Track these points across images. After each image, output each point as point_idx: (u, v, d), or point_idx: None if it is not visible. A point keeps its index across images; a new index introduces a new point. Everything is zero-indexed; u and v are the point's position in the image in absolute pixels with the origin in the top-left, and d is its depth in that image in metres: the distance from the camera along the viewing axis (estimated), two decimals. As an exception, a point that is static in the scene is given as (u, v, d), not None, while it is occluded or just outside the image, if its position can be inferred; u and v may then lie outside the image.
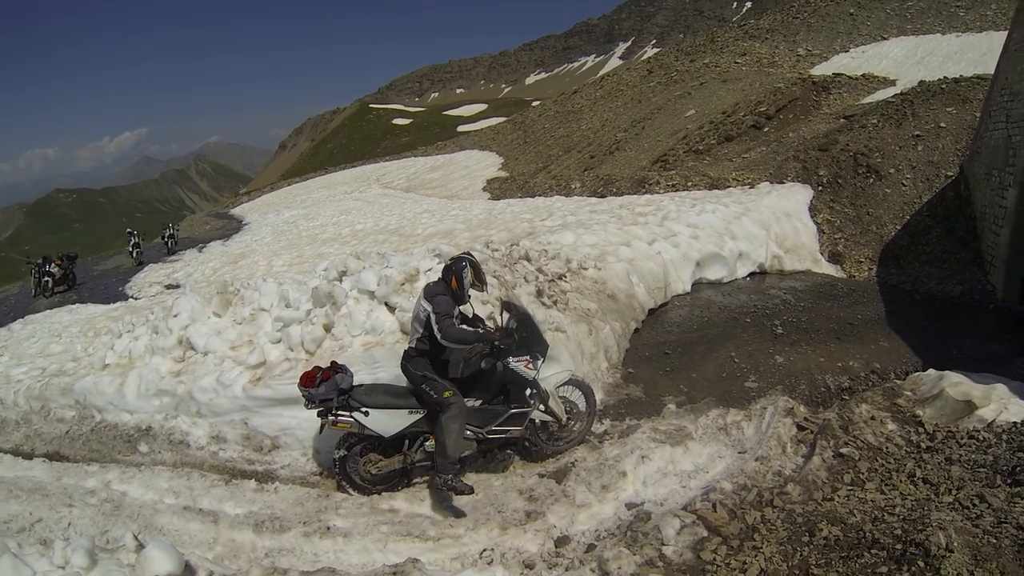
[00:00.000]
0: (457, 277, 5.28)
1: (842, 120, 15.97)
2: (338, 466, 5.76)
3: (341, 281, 7.46)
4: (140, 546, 4.18)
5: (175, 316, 8.08)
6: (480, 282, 5.44)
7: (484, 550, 4.78)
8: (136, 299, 16.38)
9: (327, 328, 6.89)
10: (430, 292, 5.29)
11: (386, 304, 6.96)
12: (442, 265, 7.45)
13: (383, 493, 5.64)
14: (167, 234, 25.29)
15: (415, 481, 5.77)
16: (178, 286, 17.04)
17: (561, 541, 4.71)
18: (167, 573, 3.71)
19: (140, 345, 8.33)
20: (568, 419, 5.82)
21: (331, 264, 8.02)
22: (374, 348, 6.41)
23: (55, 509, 6.51)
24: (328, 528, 5.18)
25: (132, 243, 23.73)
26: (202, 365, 7.31)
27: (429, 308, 5.14)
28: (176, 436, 7.07)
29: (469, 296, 5.46)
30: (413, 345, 5.42)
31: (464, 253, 5.70)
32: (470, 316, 5.63)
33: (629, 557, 3.87)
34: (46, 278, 19.67)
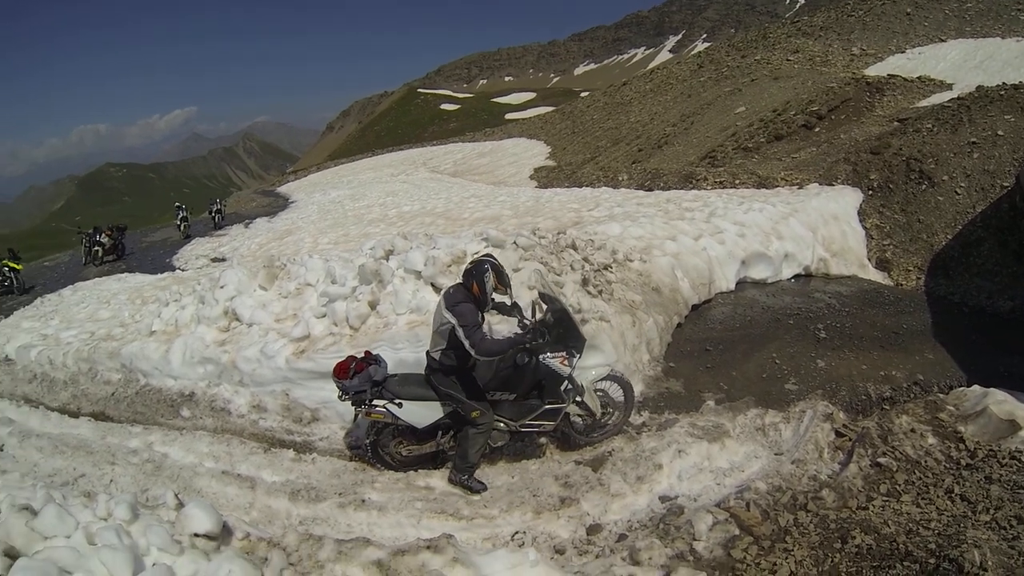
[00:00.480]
0: (479, 282, 5.05)
1: (896, 123, 15.54)
2: (369, 450, 5.85)
3: (388, 260, 7.54)
4: (180, 505, 4.31)
5: (222, 287, 8.27)
6: (503, 286, 5.19)
7: (516, 532, 4.83)
8: (183, 270, 16.79)
9: (372, 305, 6.98)
10: (451, 301, 5.07)
11: (432, 285, 7.01)
12: (489, 249, 7.46)
13: (419, 471, 5.71)
14: (214, 209, 25.60)
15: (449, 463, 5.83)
16: (224, 259, 17.36)
17: (593, 529, 4.73)
18: (206, 531, 3.80)
19: (186, 314, 8.55)
20: (603, 414, 5.80)
21: (378, 243, 8.10)
22: (418, 327, 6.48)
23: (98, 466, 6.75)
24: (363, 501, 5.28)
25: (180, 217, 24.12)
26: (246, 336, 7.49)
27: (453, 320, 4.92)
28: (218, 403, 7.27)
29: (492, 300, 5.23)
30: (437, 357, 5.24)
31: (485, 255, 5.48)
32: (509, 304, 5.51)
33: (660, 549, 3.87)
34: (96, 248, 20.22)
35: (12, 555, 3.27)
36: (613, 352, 6.47)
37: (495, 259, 5.31)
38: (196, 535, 3.77)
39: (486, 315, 5.40)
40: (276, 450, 6.43)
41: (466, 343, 4.84)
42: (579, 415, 5.71)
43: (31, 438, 7.81)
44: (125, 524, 3.77)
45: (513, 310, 5.49)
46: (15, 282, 17.67)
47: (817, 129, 17.83)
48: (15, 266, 18.03)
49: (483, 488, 5.33)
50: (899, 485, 4.31)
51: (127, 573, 3.14)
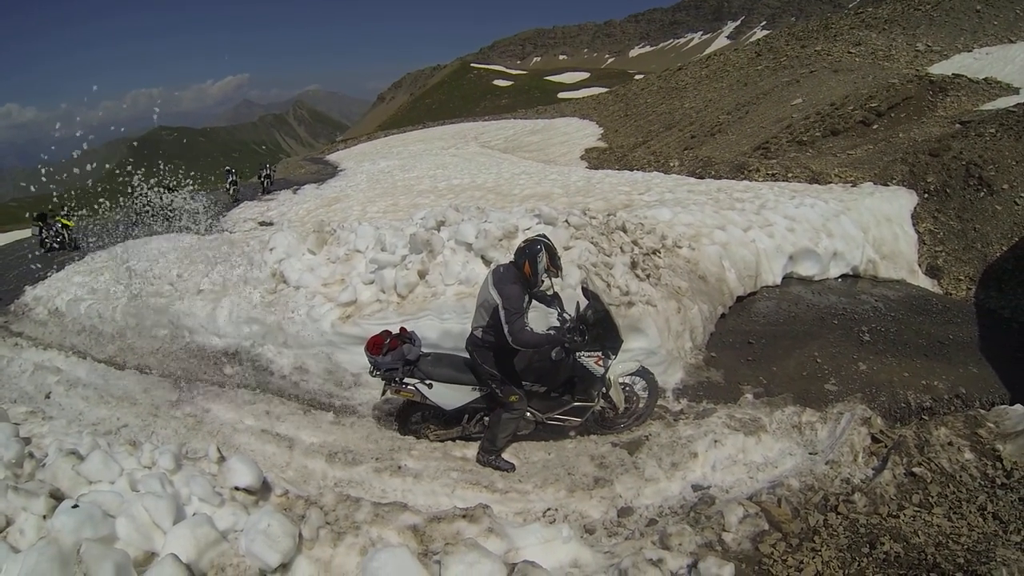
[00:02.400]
0: (531, 261, 4.97)
1: (957, 125, 15.05)
2: (397, 424, 5.98)
3: (439, 231, 7.59)
4: (222, 458, 4.46)
5: (271, 250, 8.43)
6: (555, 268, 5.09)
7: (548, 509, 4.88)
8: (231, 233, 17.07)
9: (421, 275, 7.05)
10: (500, 279, 5.01)
11: (482, 257, 7.06)
12: (541, 226, 7.47)
13: (457, 441, 5.78)
14: (263, 174, 25.80)
15: None
16: (271, 224, 17.61)
17: (624, 511, 4.77)
18: (246, 485, 3.93)
19: (234, 274, 8.74)
20: (626, 408, 5.79)
21: (429, 213, 8.15)
22: (466, 298, 6.53)
23: (141, 417, 6.98)
24: (399, 467, 5.38)
25: (230, 180, 24.42)
26: (293, 298, 7.63)
27: (499, 300, 4.87)
28: (261, 363, 7.44)
29: (542, 282, 5.12)
30: (479, 335, 5.21)
31: (539, 235, 5.35)
32: (550, 294, 5.48)
33: (691, 536, 3.89)
34: (147, 207, 20.75)
35: (58, 497, 3.40)
36: (657, 337, 6.45)
37: (548, 239, 5.21)
38: (237, 488, 3.90)
39: (533, 298, 5.31)
40: (316, 412, 6.57)
41: (505, 328, 4.82)
42: (602, 407, 5.71)
43: (77, 387, 8.11)
44: (168, 473, 3.92)
45: (553, 302, 5.44)
46: (67, 238, 18.22)
47: (875, 126, 17.39)
48: (68, 223, 18.59)
49: (511, 468, 5.36)
50: (932, 497, 4.24)
51: (169, 520, 3.25)
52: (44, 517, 3.23)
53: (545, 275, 5.07)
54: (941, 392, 6.54)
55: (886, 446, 5.11)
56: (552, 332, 5.09)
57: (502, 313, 4.84)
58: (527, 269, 5.01)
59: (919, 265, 10.54)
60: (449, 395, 5.47)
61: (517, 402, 5.23)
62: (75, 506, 3.15)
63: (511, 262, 5.21)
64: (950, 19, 28.30)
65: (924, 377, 6.78)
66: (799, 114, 20.93)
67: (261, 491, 4.05)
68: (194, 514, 3.43)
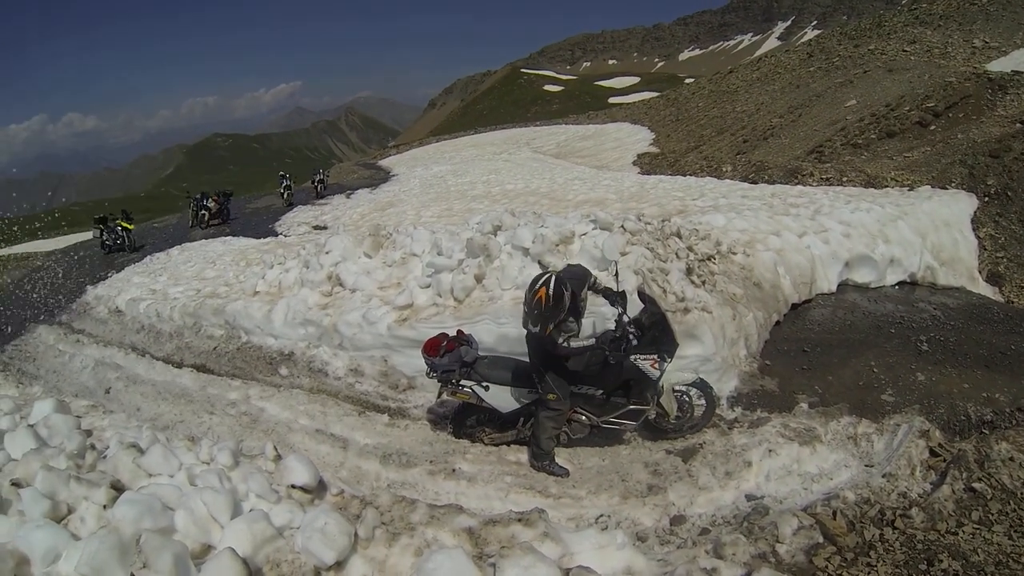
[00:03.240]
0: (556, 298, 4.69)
1: (1018, 125, 14.53)
2: (452, 428, 6.01)
3: (496, 235, 7.63)
4: (278, 456, 4.56)
5: (327, 253, 8.57)
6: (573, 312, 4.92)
7: (601, 515, 4.88)
8: (286, 236, 17.40)
9: (478, 279, 7.09)
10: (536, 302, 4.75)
11: (539, 262, 7.05)
12: (597, 231, 7.46)
13: (511, 445, 5.80)
14: (317, 179, 26.16)
15: None
16: (325, 227, 17.91)
17: (677, 520, 4.74)
18: (303, 483, 4.02)
19: (290, 277, 8.92)
20: (678, 415, 5.72)
21: (486, 218, 8.19)
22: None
23: (197, 414, 7.20)
24: (453, 470, 5.43)
25: (284, 185, 24.78)
26: (349, 301, 7.77)
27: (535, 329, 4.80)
28: (316, 364, 7.58)
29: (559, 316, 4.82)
30: (530, 329, 5.04)
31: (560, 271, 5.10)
32: (618, 292, 5.36)
33: (745, 546, 3.86)
34: (203, 211, 21.30)
35: (118, 488, 3.53)
36: (712, 344, 6.39)
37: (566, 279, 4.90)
38: (293, 486, 3.99)
39: (599, 293, 5.36)
40: (370, 414, 6.64)
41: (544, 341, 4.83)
42: (656, 412, 5.65)
43: (136, 384, 8.41)
44: (226, 469, 4.02)
45: (617, 300, 5.34)
46: (127, 240, 18.86)
47: (932, 127, 16.89)
48: (127, 226, 19.23)
49: (565, 473, 5.35)
50: (992, 514, 4.11)
51: (226, 515, 3.35)
52: (104, 507, 3.36)
53: (537, 327, 4.84)
54: (1002, 405, 6.30)
55: (945, 460, 4.98)
56: (593, 343, 5.05)
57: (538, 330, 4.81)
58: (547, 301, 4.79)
59: (979, 272, 10.23)
60: (505, 398, 5.48)
61: (555, 401, 5.19)
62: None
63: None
64: (1008, 13, 27.20)
65: (985, 389, 6.55)
66: (853, 116, 20.46)
67: (317, 490, 4.13)
68: (251, 510, 3.53)
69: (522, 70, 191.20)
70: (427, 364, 5.51)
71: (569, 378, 5.28)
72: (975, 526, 3.99)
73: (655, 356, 5.24)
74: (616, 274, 5.54)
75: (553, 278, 4.70)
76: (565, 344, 4.90)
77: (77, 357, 10.04)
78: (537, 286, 4.71)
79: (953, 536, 3.90)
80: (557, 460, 5.46)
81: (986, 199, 11.46)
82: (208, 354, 8.88)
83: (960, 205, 11.33)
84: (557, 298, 4.66)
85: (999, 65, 22.02)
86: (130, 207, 23.59)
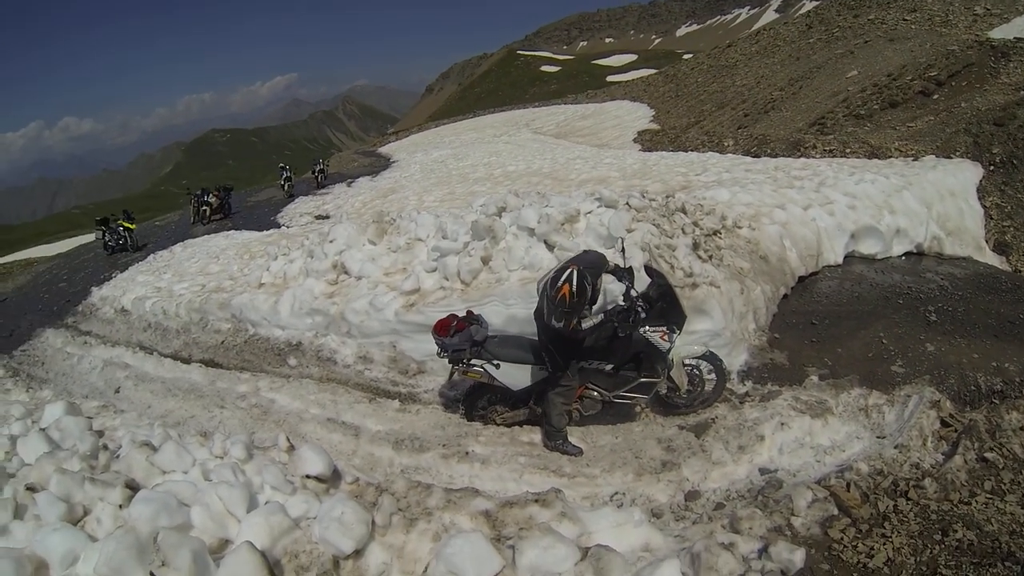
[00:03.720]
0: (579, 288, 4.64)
1: (1023, 93, 14.42)
2: (463, 410, 6.03)
3: (500, 217, 7.59)
4: (292, 447, 4.57)
5: (331, 241, 8.54)
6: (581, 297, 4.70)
7: (615, 493, 4.90)
8: (288, 227, 17.40)
9: (485, 261, 7.06)
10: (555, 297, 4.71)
11: (545, 242, 7.02)
12: (602, 209, 7.42)
13: (524, 426, 5.81)
14: (317, 168, 26.13)
15: None
16: (328, 217, 17.85)
17: (692, 495, 4.76)
18: (318, 473, 4.02)
19: (295, 267, 8.90)
20: (688, 389, 5.74)
21: (490, 200, 8.15)
22: (530, 283, 6.48)
23: (208, 409, 7.24)
24: (467, 453, 5.45)
25: (284, 176, 24.76)
26: (355, 288, 7.75)
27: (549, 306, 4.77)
28: (324, 353, 7.58)
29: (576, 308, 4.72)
30: (554, 325, 4.99)
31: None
32: (625, 268, 5.39)
33: (761, 520, 3.87)
34: (204, 207, 21.22)
35: (133, 487, 3.53)
36: (722, 318, 6.38)
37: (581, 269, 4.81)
38: (308, 477, 4.00)
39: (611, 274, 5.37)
40: (381, 400, 6.66)
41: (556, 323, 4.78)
42: (667, 387, 5.70)
43: (145, 382, 8.45)
44: (240, 463, 4.03)
45: (625, 276, 5.36)
46: (129, 240, 18.84)
47: (935, 96, 16.77)
48: (129, 226, 19.21)
49: (579, 452, 5.37)
50: (1004, 484, 4.11)
51: (242, 508, 3.36)
52: (120, 507, 3.37)
53: (561, 323, 4.78)
54: (1012, 375, 6.28)
55: (956, 430, 4.98)
56: (602, 319, 5.04)
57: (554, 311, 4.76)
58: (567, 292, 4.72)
59: (986, 241, 10.16)
60: (517, 375, 5.49)
61: (564, 379, 5.22)
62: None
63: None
64: (1009, -22, 26.90)
65: (994, 359, 6.52)
66: (855, 87, 20.33)
67: (332, 479, 4.14)
68: (267, 502, 3.54)
69: (518, 52, 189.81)
70: (437, 344, 5.53)
71: (579, 354, 5.30)
72: (988, 496, 3.99)
73: (664, 328, 5.27)
74: (623, 250, 5.57)
75: (575, 273, 4.64)
76: (578, 327, 4.89)
77: (85, 358, 10.08)
78: (560, 283, 4.64)
79: (966, 506, 3.90)
80: (570, 439, 5.48)
81: (991, 168, 11.38)
82: (216, 348, 8.90)
83: (965, 174, 11.24)
84: (581, 292, 4.62)
85: (1001, 32, 21.80)
86: (131, 207, 23.56)
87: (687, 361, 5.74)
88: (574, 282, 4.61)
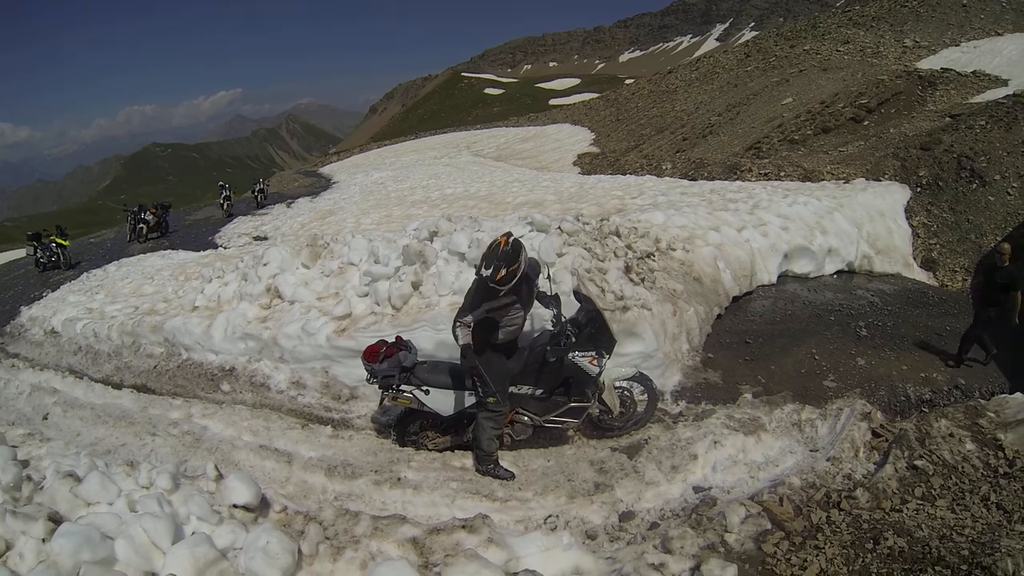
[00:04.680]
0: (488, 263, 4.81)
1: (947, 119, 15.18)
2: (395, 436, 5.97)
3: (432, 241, 7.59)
4: (220, 476, 4.42)
5: (265, 265, 8.41)
6: (492, 266, 4.77)
7: (549, 516, 4.86)
8: (225, 248, 17.06)
9: (415, 286, 7.05)
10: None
11: (475, 267, 7.00)
12: (534, 233, 7.46)
13: (455, 451, 5.76)
14: (257, 188, 25.87)
15: None
16: (266, 238, 17.66)
17: (626, 516, 4.75)
18: (245, 503, 3.90)
19: (229, 290, 8.73)
20: (621, 411, 5.78)
21: (422, 224, 8.16)
22: None
23: (139, 436, 6.96)
24: (399, 479, 5.35)
25: (223, 195, 24.43)
26: (288, 313, 7.64)
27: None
28: (258, 379, 7.42)
29: (494, 279, 4.79)
30: (482, 273, 4.96)
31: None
32: (550, 295, 5.49)
33: (692, 539, 3.86)
34: (141, 225, 20.68)
35: (56, 520, 3.37)
36: (654, 340, 6.45)
37: (496, 241, 4.96)
38: (235, 506, 3.88)
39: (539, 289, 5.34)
40: (314, 426, 6.54)
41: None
42: (598, 410, 5.70)
43: (75, 408, 8.09)
44: (166, 493, 3.88)
45: (551, 303, 5.44)
46: (62, 257, 18.23)
47: (866, 123, 17.51)
48: (62, 242, 18.59)
49: (510, 476, 5.34)
50: (935, 489, 4.22)
51: (167, 540, 3.23)
52: (43, 540, 3.21)
53: (489, 271, 4.80)
54: (940, 384, 6.55)
55: (887, 440, 5.09)
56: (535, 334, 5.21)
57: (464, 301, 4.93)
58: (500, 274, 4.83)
59: (914, 258, 10.60)
60: (446, 401, 5.48)
61: (495, 404, 5.19)
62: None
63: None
64: (937, 14, 28.32)
65: (923, 369, 6.79)
66: (790, 113, 21.05)
67: (260, 508, 4.02)
68: (193, 533, 3.41)
69: (463, 74, 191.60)
70: (367, 370, 5.50)
71: (506, 376, 5.29)
72: (919, 502, 4.08)
73: (593, 353, 5.30)
74: (549, 276, 5.61)
75: (513, 237, 4.84)
76: (466, 323, 4.88)
77: (12, 383, 9.61)
78: (497, 237, 4.85)
79: (898, 513, 3.98)
80: (502, 463, 5.45)
81: (918, 189, 11.87)
82: (148, 373, 8.62)
83: (894, 196, 11.72)
84: (516, 248, 4.76)
85: (929, 63, 22.94)
86: (66, 221, 22.76)
87: (618, 383, 5.77)
88: (510, 239, 4.80)
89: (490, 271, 4.77)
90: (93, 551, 3.02)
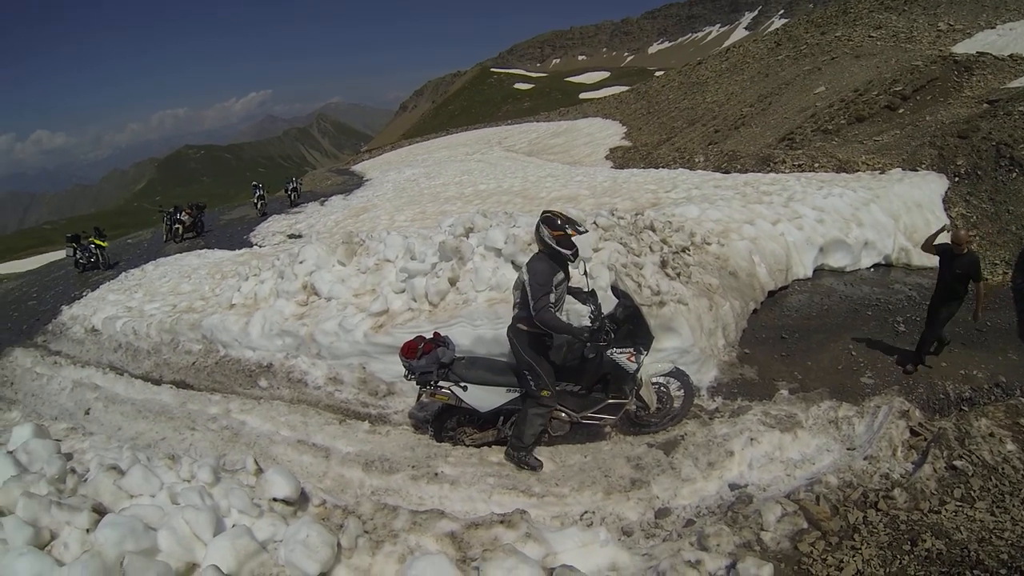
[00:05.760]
0: (537, 238, 5.06)
1: (985, 105, 14.78)
2: (432, 431, 6.01)
3: (468, 237, 7.62)
4: (260, 470, 4.50)
5: (301, 262, 8.51)
6: (571, 222, 5.00)
7: (585, 512, 4.88)
8: (260, 247, 17.25)
9: (452, 282, 7.08)
10: (529, 261, 5.12)
11: (512, 263, 7.04)
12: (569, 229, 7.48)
13: (493, 446, 5.80)
14: (290, 187, 26.08)
15: None
16: (300, 236, 17.82)
17: (662, 513, 4.75)
18: (284, 496, 3.96)
19: (265, 288, 8.85)
20: (658, 407, 5.77)
21: (458, 220, 8.19)
22: (498, 304, 6.54)
23: (178, 431, 7.11)
24: (436, 474, 5.40)
25: (257, 195, 24.68)
26: (325, 310, 7.73)
27: (526, 277, 4.94)
28: (295, 375, 7.52)
29: (566, 251, 4.98)
30: (515, 320, 5.22)
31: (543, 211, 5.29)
32: (586, 290, 5.48)
33: (729, 536, 3.86)
34: (176, 225, 21.04)
35: (100, 511, 3.46)
36: (690, 335, 6.42)
37: (548, 212, 5.15)
38: (275, 500, 3.94)
39: (567, 284, 5.32)
40: (351, 422, 6.62)
41: (531, 302, 4.83)
42: (635, 406, 5.70)
43: (116, 403, 8.28)
44: (207, 486, 3.95)
45: (589, 299, 5.41)
46: (101, 258, 18.59)
47: (901, 111, 17.13)
48: (101, 243, 18.94)
49: (539, 465, 5.38)
50: (974, 491, 4.14)
51: (209, 532, 3.30)
52: (87, 531, 3.29)
53: (554, 241, 4.97)
54: (981, 382, 6.40)
55: (925, 439, 5.01)
56: (578, 325, 5.08)
57: (528, 290, 4.87)
58: (541, 246, 5.07)
59: (953, 251, 10.34)
60: (484, 397, 5.50)
61: (547, 398, 5.22)
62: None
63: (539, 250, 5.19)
64: (971, -5, 27.59)
65: (962, 367, 6.64)
66: (823, 102, 20.68)
67: (299, 502, 4.08)
68: (233, 526, 3.49)
69: (492, 69, 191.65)
70: (405, 367, 5.53)
71: (552, 371, 5.30)
72: (957, 503, 4.02)
73: (631, 350, 5.28)
74: (585, 273, 5.60)
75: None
76: (553, 310, 4.91)
77: (55, 379, 9.88)
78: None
79: (936, 515, 3.92)
80: (532, 453, 5.49)
81: (956, 179, 11.60)
82: (187, 369, 8.79)
83: (931, 186, 11.46)
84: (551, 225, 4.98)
85: (964, 47, 22.32)
86: (103, 223, 23.23)
87: (655, 379, 5.76)
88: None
89: (571, 228, 4.97)
90: (137, 541, 3.08)
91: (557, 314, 5.01)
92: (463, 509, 4.90)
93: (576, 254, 5.05)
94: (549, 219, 5.03)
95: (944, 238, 6.83)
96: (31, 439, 4.85)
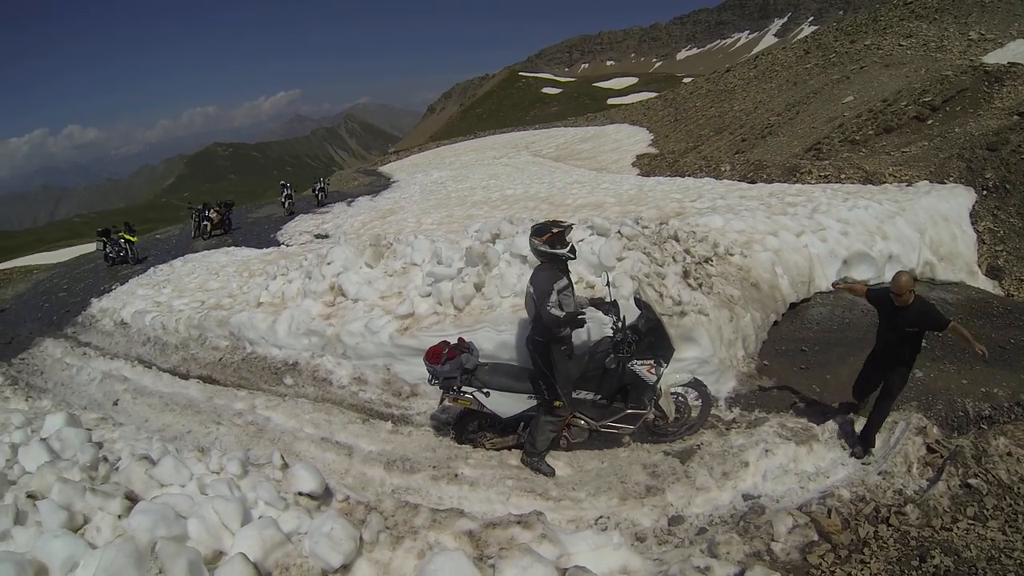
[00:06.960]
0: (532, 249, 5.26)
1: (1015, 117, 14.54)
2: (454, 433, 6.12)
3: (494, 243, 7.69)
4: (285, 465, 4.65)
5: (328, 263, 8.66)
6: (551, 234, 5.11)
7: (600, 516, 4.97)
8: (287, 246, 17.44)
9: (477, 287, 7.17)
10: (532, 274, 5.25)
11: (539, 251, 7.13)
12: (594, 237, 7.50)
13: (512, 449, 5.89)
14: (318, 187, 26.22)
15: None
16: (327, 236, 17.96)
17: (675, 520, 4.83)
18: (310, 491, 4.10)
19: (293, 288, 8.99)
20: (676, 417, 5.82)
21: (484, 226, 8.29)
22: (522, 310, 6.52)
23: (204, 424, 7.29)
24: (456, 475, 5.52)
25: (285, 194, 24.82)
26: (351, 311, 7.86)
27: (531, 290, 5.07)
28: (320, 374, 7.66)
29: (562, 252, 5.14)
30: (532, 333, 5.34)
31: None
32: (608, 301, 5.57)
33: (739, 545, 3.92)
34: (205, 222, 21.24)
35: (132, 498, 3.63)
36: (710, 346, 6.46)
37: (538, 223, 5.43)
38: (300, 494, 4.08)
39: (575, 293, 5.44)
40: (374, 421, 6.75)
41: (538, 310, 4.98)
42: (653, 415, 5.76)
43: (144, 395, 8.50)
44: (236, 479, 4.12)
45: (611, 309, 5.48)
46: (130, 252, 18.86)
47: (930, 122, 16.90)
48: (130, 238, 19.22)
49: (551, 472, 5.47)
50: (987, 509, 4.15)
51: (237, 522, 3.45)
52: (119, 517, 3.45)
53: (546, 245, 5.14)
54: (1001, 400, 6.31)
55: (942, 456, 5.00)
56: (580, 316, 5.21)
57: (535, 301, 5.01)
58: (539, 257, 5.28)
59: (979, 266, 10.24)
60: (506, 403, 5.59)
61: (559, 408, 5.33)
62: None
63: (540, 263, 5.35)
64: (1003, 4, 26.86)
65: (983, 384, 6.57)
66: (851, 112, 20.46)
67: (323, 496, 4.21)
68: (260, 517, 3.62)
69: (520, 73, 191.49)
70: (429, 371, 5.61)
71: (571, 383, 5.40)
72: (970, 522, 4.04)
73: (652, 362, 5.37)
74: (608, 283, 5.67)
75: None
76: (552, 308, 5.02)
77: (84, 370, 10.13)
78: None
79: (947, 532, 3.95)
80: (557, 463, 5.57)
81: (984, 193, 11.48)
82: (214, 365, 8.98)
83: (958, 199, 11.35)
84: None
85: (995, 57, 21.91)
86: (132, 218, 23.58)
87: (674, 389, 5.83)
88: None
89: (555, 227, 5.16)
90: (168, 528, 3.24)
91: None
92: (482, 510, 4.99)
93: (573, 250, 5.23)
94: (535, 229, 5.23)
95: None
96: (64, 427, 5.06)
